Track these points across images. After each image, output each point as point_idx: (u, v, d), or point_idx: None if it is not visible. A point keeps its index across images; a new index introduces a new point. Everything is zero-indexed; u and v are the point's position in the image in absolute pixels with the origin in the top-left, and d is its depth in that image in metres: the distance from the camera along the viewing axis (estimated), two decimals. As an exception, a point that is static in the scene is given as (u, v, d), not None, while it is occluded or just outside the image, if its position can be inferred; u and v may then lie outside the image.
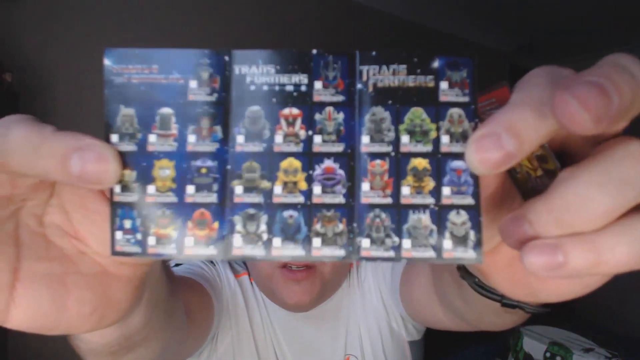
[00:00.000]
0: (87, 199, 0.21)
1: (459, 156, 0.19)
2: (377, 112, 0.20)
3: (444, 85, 0.20)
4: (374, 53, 0.20)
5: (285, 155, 0.20)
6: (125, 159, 0.20)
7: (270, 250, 0.19)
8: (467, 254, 0.19)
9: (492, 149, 0.16)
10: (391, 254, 0.19)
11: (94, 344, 0.29)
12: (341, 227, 0.19)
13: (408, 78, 0.20)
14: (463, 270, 0.33)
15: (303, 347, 0.69)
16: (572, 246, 0.16)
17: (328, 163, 0.20)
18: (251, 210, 0.20)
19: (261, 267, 0.65)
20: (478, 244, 0.19)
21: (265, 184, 0.20)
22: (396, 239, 0.19)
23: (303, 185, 0.20)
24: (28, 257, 0.20)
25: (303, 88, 0.20)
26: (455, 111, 0.20)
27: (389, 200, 0.19)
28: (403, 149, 0.20)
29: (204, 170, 0.20)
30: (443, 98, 0.20)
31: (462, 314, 0.43)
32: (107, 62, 0.20)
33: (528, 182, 0.20)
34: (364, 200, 0.20)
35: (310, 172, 0.20)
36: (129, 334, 0.29)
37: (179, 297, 0.45)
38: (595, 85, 0.15)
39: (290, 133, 0.20)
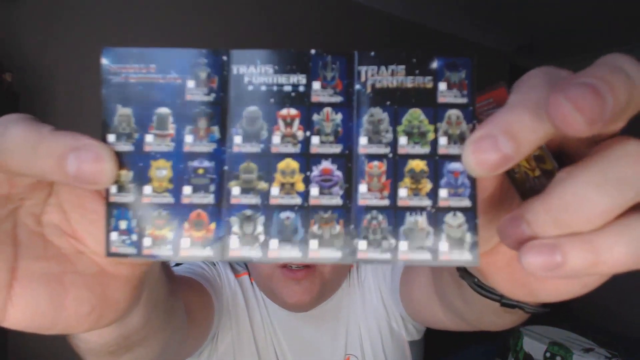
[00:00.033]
0: (85, 199, 0.21)
1: (457, 158, 0.19)
2: (375, 113, 0.20)
3: (442, 86, 0.20)
4: (372, 53, 0.20)
5: (283, 156, 0.20)
6: (121, 159, 0.19)
7: (267, 251, 0.19)
8: (463, 257, 0.19)
9: (489, 151, 0.16)
10: (388, 256, 0.19)
11: (92, 343, 0.29)
12: (338, 228, 0.19)
13: (406, 79, 0.20)
14: (462, 271, 0.33)
15: (303, 346, 0.69)
16: (570, 246, 0.16)
17: (325, 164, 0.20)
18: (248, 212, 0.19)
19: (261, 267, 0.65)
20: (474, 246, 0.19)
21: (263, 185, 0.20)
22: (393, 241, 0.19)
23: (300, 187, 0.20)
24: (26, 257, 0.20)
25: (301, 88, 0.20)
26: (453, 112, 0.19)
27: (386, 202, 0.19)
28: (401, 151, 0.20)
29: (201, 171, 0.20)
30: (441, 99, 0.20)
31: (462, 314, 0.43)
32: (104, 61, 0.20)
33: (526, 182, 0.20)
34: (361, 202, 0.19)
35: (308, 173, 0.20)
36: (128, 333, 0.29)
37: (179, 297, 0.45)
38: (589, 86, 0.15)
39: (288, 134, 0.20)
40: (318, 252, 0.19)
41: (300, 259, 0.19)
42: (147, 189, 0.20)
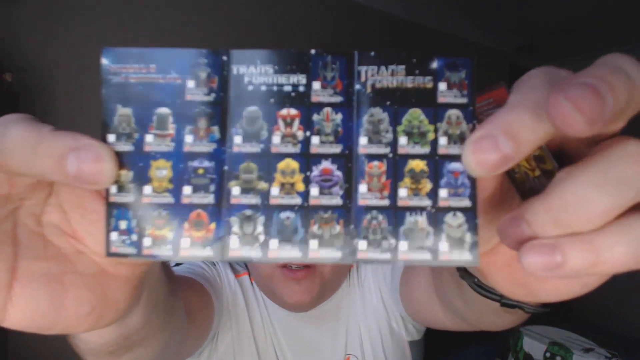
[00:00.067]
0: (85, 199, 0.21)
1: (457, 158, 0.19)
2: (375, 113, 0.20)
3: (442, 86, 0.20)
4: (372, 53, 0.20)
5: (283, 156, 0.20)
6: (121, 159, 0.19)
7: (267, 251, 0.19)
8: (463, 257, 0.19)
9: (489, 151, 0.16)
10: (388, 256, 0.19)
11: (92, 343, 0.29)
12: (338, 228, 0.19)
13: (406, 79, 0.20)
14: (462, 270, 0.33)
15: (303, 346, 0.69)
16: (570, 246, 0.16)
17: (325, 164, 0.20)
18: (248, 212, 0.19)
19: (261, 267, 0.65)
20: (474, 246, 0.19)
21: (263, 185, 0.20)
22: (393, 241, 0.19)
23: (300, 187, 0.20)
24: (26, 257, 0.20)
25: (301, 88, 0.20)
26: (453, 112, 0.19)
27: (386, 202, 0.19)
28: (401, 151, 0.20)
29: (201, 171, 0.20)
30: (441, 99, 0.20)
31: (462, 314, 0.43)
32: (104, 61, 0.20)
33: (526, 182, 0.20)
34: (361, 202, 0.19)
35: (308, 173, 0.20)
36: (128, 333, 0.29)
37: (179, 297, 0.45)
38: (589, 86, 0.15)
39: (288, 134, 0.20)
40: (318, 252, 0.19)
41: (300, 259, 0.19)
42: (147, 189, 0.20)
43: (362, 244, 0.19)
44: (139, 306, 0.28)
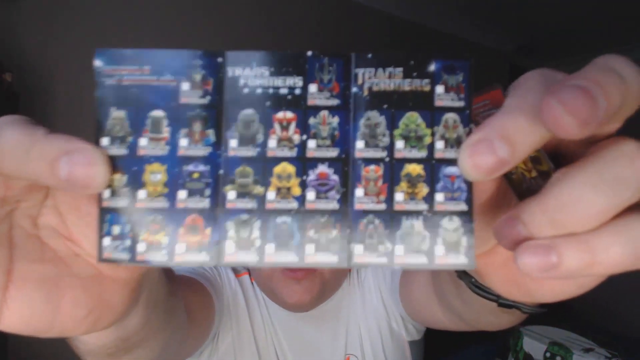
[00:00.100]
0: (81, 201, 0.21)
1: (453, 162, 0.19)
2: (372, 116, 0.20)
3: (439, 89, 0.19)
4: (369, 55, 0.20)
5: (279, 160, 0.20)
6: (115, 163, 0.19)
7: (264, 256, 0.19)
8: (459, 260, 0.19)
9: (485, 154, 0.16)
10: (384, 260, 0.19)
11: (91, 345, 0.29)
12: (335, 233, 0.19)
13: (404, 82, 0.20)
14: (460, 271, 0.33)
15: (303, 346, 0.69)
16: (566, 247, 0.16)
17: (322, 168, 0.20)
18: (244, 216, 0.19)
19: (261, 267, 0.65)
20: (470, 250, 0.19)
21: (259, 189, 0.19)
22: (389, 245, 0.19)
23: (297, 191, 0.19)
24: (22, 259, 0.20)
25: (297, 91, 0.20)
26: (450, 116, 0.19)
27: (382, 207, 0.19)
28: (397, 155, 0.19)
29: (196, 175, 0.19)
30: (438, 103, 0.19)
31: (460, 314, 0.43)
32: (97, 63, 0.19)
33: (523, 183, 0.20)
34: (358, 206, 0.19)
35: (304, 177, 0.19)
36: (127, 335, 0.29)
37: (179, 297, 0.45)
38: (581, 89, 0.15)
39: (284, 137, 0.20)
40: (314, 256, 0.19)
41: (296, 264, 0.19)
42: (141, 194, 0.19)
43: (358, 248, 0.19)
44: (138, 307, 0.28)
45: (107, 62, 0.19)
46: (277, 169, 0.19)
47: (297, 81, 0.20)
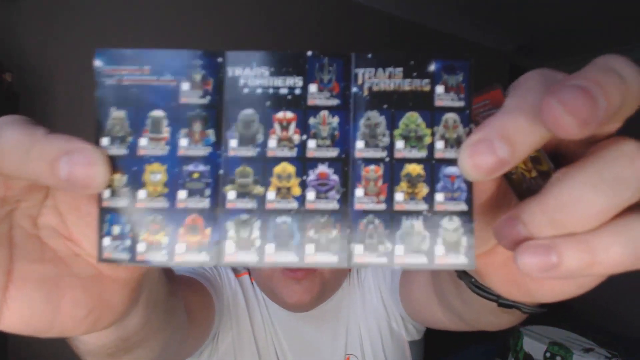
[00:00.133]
0: (81, 201, 0.21)
1: (453, 162, 0.19)
2: (372, 116, 0.20)
3: (439, 89, 0.19)
4: (369, 55, 0.20)
5: (279, 160, 0.20)
6: (115, 163, 0.19)
7: (264, 256, 0.19)
8: (459, 260, 0.19)
9: (485, 155, 0.16)
10: (384, 260, 0.19)
11: (91, 345, 0.29)
12: (335, 233, 0.19)
13: (404, 82, 0.20)
14: (460, 271, 0.33)
15: (303, 346, 0.69)
16: (566, 247, 0.16)
17: (322, 168, 0.19)
18: (244, 216, 0.19)
19: (261, 267, 0.65)
20: (470, 250, 0.19)
21: (259, 189, 0.19)
22: (389, 245, 0.19)
23: (297, 191, 0.19)
24: (22, 259, 0.20)
25: (297, 91, 0.20)
26: (450, 116, 0.19)
27: (382, 207, 0.19)
28: (397, 155, 0.19)
29: (196, 175, 0.19)
30: (438, 103, 0.19)
31: (460, 314, 0.43)
32: (97, 63, 0.19)
33: (523, 183, 0.20)
34: (358, 206, 0.19)
35: (304, 177, 0.19)
36: (127, 335, 0.29)
37: (179, 297, 0.45)
38: (580, 89, 0.15)
39: (284, 137, 0.20)
40: (314, 256, 0.19)
41: (296, 264, 0.19)
42: (141, 194, 0.19)
43: (358, 248, 0.19)
44: (138, 307, 0.28)
45: (107, 62, 0.19)
46: (277, 169, 0.19)
47: (297, 81, 0.20)
